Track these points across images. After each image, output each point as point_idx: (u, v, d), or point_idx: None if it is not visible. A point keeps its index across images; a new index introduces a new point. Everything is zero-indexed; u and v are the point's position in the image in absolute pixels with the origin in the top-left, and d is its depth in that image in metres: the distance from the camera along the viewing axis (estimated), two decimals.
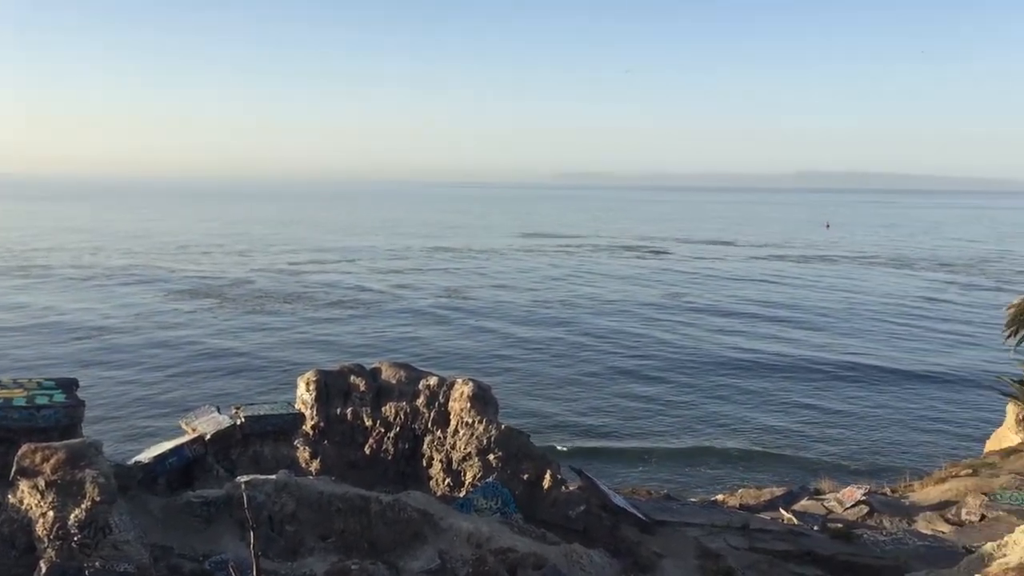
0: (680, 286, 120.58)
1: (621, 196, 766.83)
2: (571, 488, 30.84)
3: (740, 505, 37.78)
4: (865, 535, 32.11)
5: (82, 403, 23.58)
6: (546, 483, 30.75)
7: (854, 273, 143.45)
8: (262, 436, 27.80)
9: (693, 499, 39.57)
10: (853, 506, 36.31)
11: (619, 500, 31.52)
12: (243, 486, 22.69)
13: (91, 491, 18.96)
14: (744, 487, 42.13)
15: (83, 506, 18.72)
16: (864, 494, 37.39)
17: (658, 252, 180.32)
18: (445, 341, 79.35)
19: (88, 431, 23.95)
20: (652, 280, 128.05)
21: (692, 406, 58.81)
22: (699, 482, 46.98)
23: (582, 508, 29.82)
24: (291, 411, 29.75)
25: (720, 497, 40.37)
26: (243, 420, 27.50)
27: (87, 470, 19.52)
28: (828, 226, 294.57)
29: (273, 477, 23.95)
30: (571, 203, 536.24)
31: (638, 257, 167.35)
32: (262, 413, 28.14)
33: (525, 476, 30.85)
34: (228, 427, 27.16)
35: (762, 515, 35.33)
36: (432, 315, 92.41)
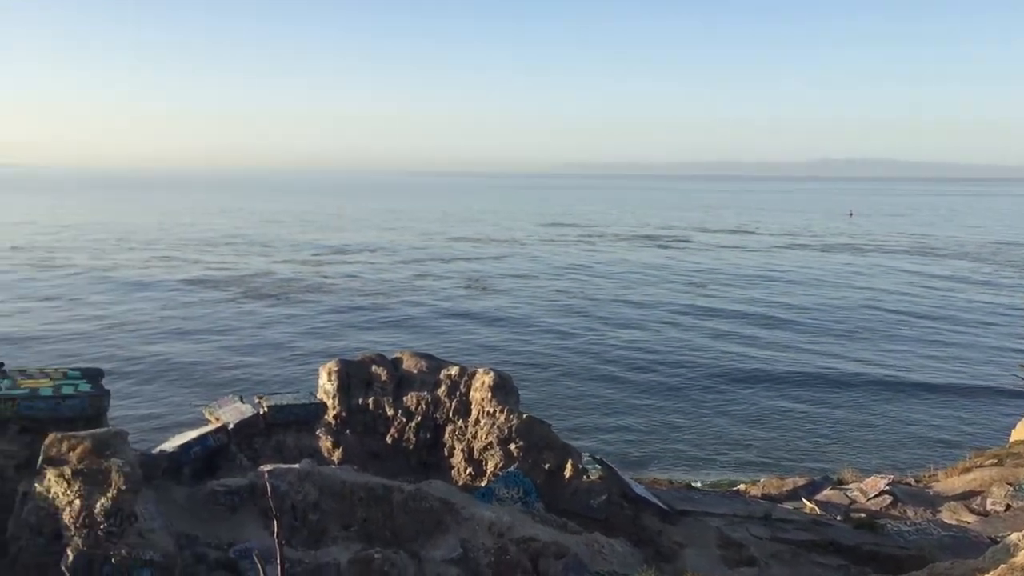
0: (702, 280, 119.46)
1: (635, 185, 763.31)
2: (592, 478, 30.84)
3: (762, 495, 37.67)
4: (889, 525, 31.94)
5: (107, 392, 23.80)
6: (567, 472, 30.77)
7: (880, 263, 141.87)
8: (285, 426, 28.00)
9: (715, 489, 39.51)
10: (876, 496, 36.12)
11: (640, 490, 31.48)
12: (266, 475, 22.83)
13: (117, 480, 19.14)
14: (766, 477, 41.98)
15: (109, 495, 18.88)
16: (887, 484, 37.18)
17: (680, 241, 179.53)
18: (466, 333, 79.37)
19: (113, 420, 24.19)
20: (674, 272, 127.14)
21: (709, 422, 56.27)
22: (720, 472, 46.55)
23: (603, 497, 29.81)
24: (313, 401, 29.95)
25: (742, 487, 40.26)
26: (266, 410, 27.70)
27: (113, 459, 19.70)
28: (852, 214, 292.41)
29: (296, 466, 24.08)
30: (584, 193, 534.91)
31: (660, 247, 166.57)
32: (285, 403, 28.36)
33: (546, 465, 30.87)
34: (251, 416, 27.38)
35: (784, 505, 35.22)
36: (453, 307, 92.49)
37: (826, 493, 37.88)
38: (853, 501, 36.23)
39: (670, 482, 37.63)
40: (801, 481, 39.81)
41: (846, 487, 38.29)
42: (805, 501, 36.13)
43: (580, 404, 58.34)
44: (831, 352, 75.28)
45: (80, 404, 22.66)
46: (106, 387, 24.37)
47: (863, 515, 33.35)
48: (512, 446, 31.14)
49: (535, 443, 31.23)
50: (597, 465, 32.22)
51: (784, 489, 38.74)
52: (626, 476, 32.28)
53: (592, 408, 57.70)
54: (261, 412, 27.64)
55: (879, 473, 40.51)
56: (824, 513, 34.22)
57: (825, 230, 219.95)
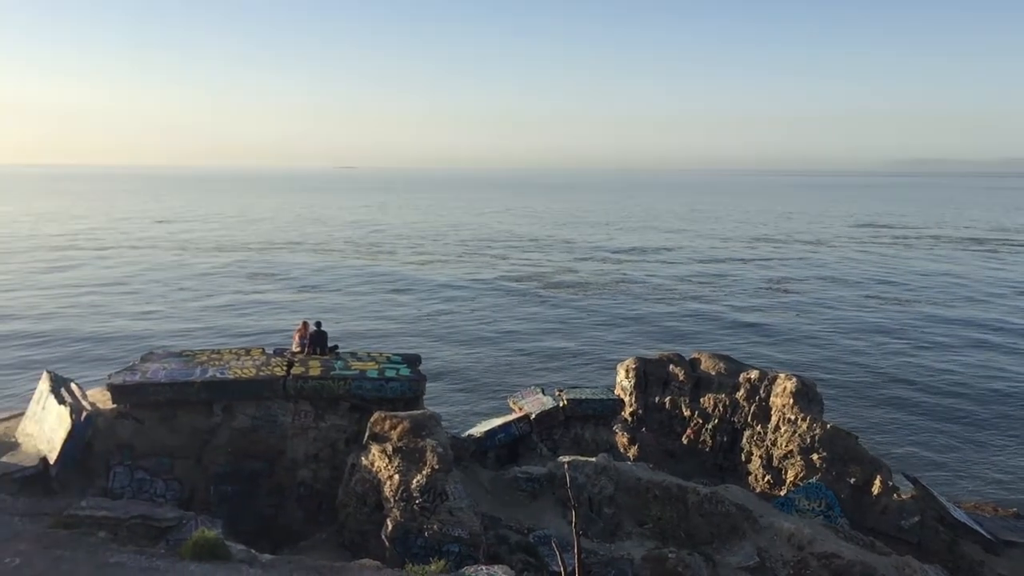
0: None
1: (970, 184, 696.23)
2: (904, 497, 28.70)
3: None
4: None
5: (424, 377, 25.72)
6: (875, 489, 28.87)
7: None
8: (583, 419, 28.70)
9: None
10: None
11: (960, 514, 28.82)
12: (565, 466, 23.53)
13: (431, 459, 20.61)
14: None
15: (424, 472, 20.39)
16: None
17: (1016, 246, 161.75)
18: (764, 336, 76.73)
19: (427, 404, 26.07)
20: (1007, 284, 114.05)
21: None
22: None
23: (916, 519, 27.68)
24: (611, 396, 30.43)
25: None
26: (565, 402, 28.55)
27: (428, 439, 21.25)
28: None
29: (593, 459, 24.61)
30: (910, 192, 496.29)
31: (988, 252, 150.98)
32: (584, 397, 29.06)
33: (852, 480, 29.18)
34: (551, 408, 28.34)
35: None
36: (746, 315, 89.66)
37: None
38: None
39: (995, 509, 34.05)
40: None
41: None
42: None
43: (884, 432, 53.69)
44: None
45: (401, 386, 24.68)
46: (422, 372, 26.36)
47: None
48: (814, 456, 29.76)
49: (839, 455, 29.62)
50: (910, 484, 29.93)
51: None
52: (943, 498, 29.67)
53: (899, 438, 52.70)
54: (561, 404, 28.52)
55: None
56: None
57: None
